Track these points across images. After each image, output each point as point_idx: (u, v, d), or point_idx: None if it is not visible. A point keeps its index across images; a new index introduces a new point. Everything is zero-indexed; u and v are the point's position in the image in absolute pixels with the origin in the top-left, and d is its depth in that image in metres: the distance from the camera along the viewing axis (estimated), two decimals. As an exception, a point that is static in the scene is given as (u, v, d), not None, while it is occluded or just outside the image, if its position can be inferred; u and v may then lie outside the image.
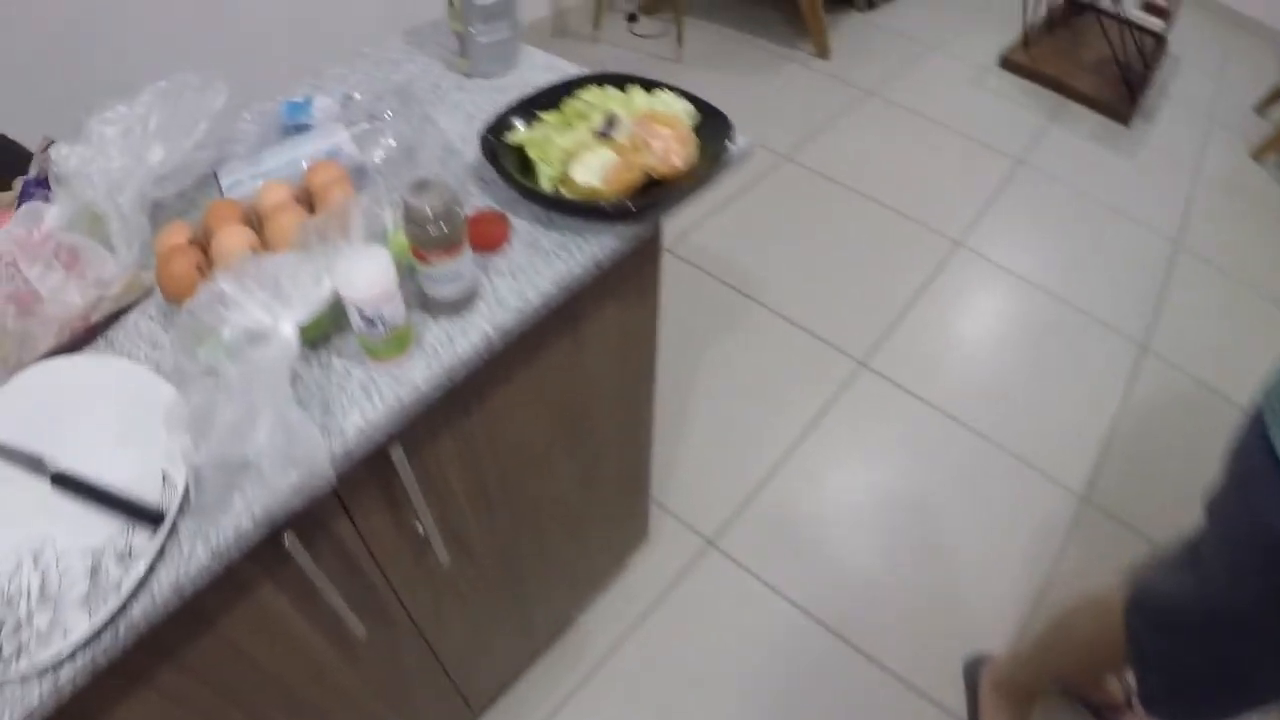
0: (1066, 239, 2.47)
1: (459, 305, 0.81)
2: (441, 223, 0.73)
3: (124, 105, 0.86)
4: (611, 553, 1.57)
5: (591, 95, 1.00)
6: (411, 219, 0.73)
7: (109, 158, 0.84)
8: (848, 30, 3.30)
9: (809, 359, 2.10)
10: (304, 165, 0.97)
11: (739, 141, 0.98)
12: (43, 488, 0.73)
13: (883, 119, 2.88)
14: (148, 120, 0.85)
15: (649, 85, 1.02)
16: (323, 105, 1.06)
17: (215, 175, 0.97)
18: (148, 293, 0.88)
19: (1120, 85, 2.86)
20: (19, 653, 0.63)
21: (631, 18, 3.26)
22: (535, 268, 0.86)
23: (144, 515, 0.69)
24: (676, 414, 1.96)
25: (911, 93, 2.98)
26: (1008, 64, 3.05)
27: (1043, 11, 3.12)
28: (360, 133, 1.03)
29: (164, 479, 0.72)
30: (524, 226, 0.91)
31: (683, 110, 0.98)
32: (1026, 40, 3.10)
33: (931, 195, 2.57)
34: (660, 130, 0.94)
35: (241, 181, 0.97)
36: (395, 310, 0.74)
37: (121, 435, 0.77)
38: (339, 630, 0.92)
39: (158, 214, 0.94)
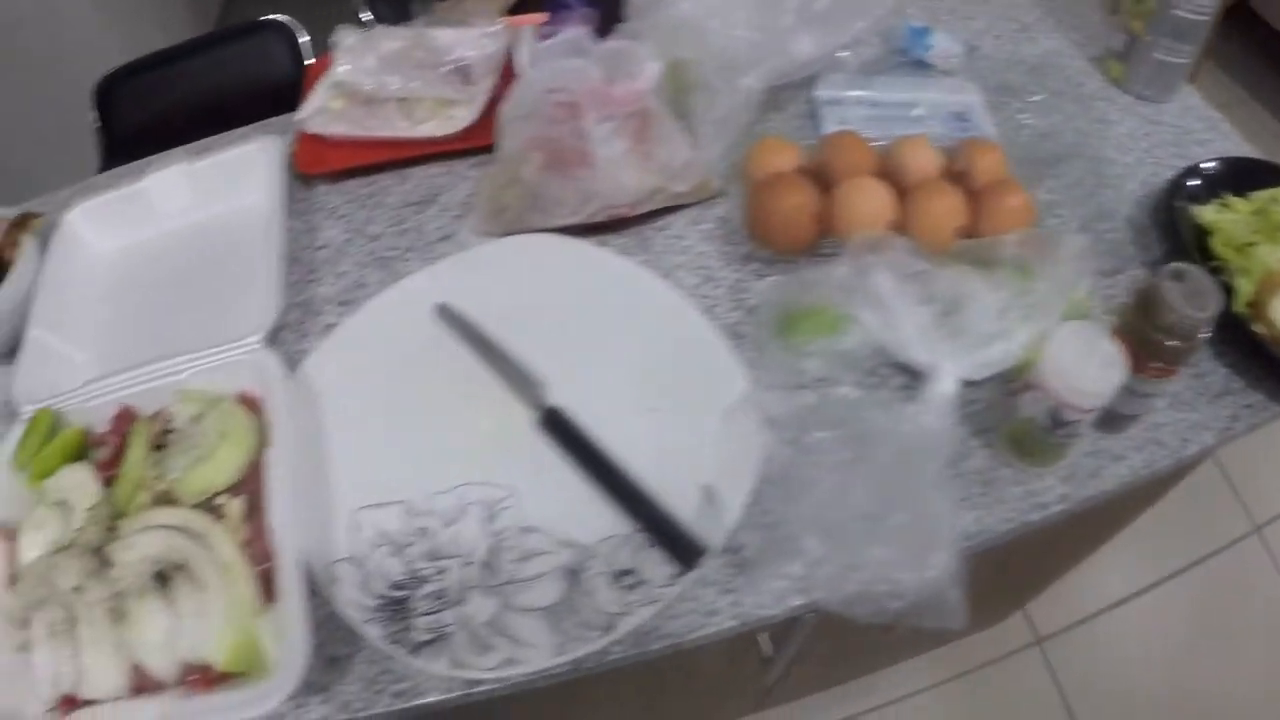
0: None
1: (1122, 423, 0.60)
2: (1191, 339, 0.52)
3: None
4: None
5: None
6: (1159, 323, 0.51)
7: (734, 23, 0.65)
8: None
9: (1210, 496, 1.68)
10: (920, 114, 0.77)
11: None
12: (519, 418, 0.59)
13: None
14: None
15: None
16: (943, 46, 0.84)
17: (812, 86, 0.79)
18: (713, 196, 0.72)
19: None
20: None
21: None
22: (1196, 404, 0.62)
23: (682, 547, 0.51)
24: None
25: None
26: None
27: None
28: (991, 102, 0.81)
29: (707, 496, 0.54)
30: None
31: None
32: None
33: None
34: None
35: (839, 103, 0.78)
36: (1090, 420, 0.54)
37: (652, 391, 0.59)
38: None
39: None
